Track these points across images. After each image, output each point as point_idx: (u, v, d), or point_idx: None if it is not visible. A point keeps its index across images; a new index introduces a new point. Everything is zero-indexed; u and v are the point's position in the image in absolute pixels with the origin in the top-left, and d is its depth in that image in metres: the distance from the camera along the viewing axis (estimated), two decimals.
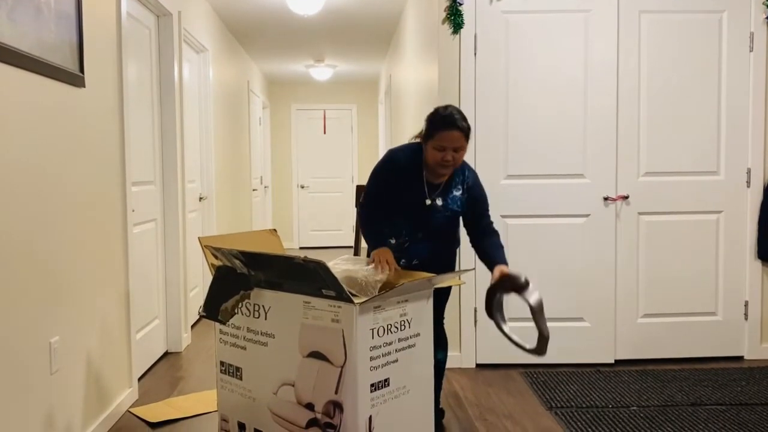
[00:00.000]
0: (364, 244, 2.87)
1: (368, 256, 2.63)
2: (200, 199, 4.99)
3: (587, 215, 3.75)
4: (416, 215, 2.61)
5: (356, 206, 3.29)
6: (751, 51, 3.74)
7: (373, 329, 2.13)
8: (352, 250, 6.56)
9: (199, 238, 2.54)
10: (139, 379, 3.62)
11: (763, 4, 3.71)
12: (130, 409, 3.17)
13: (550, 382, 3.49)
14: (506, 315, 3.79)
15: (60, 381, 2.46)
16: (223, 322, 2.40)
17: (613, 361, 3.80)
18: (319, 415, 2.16)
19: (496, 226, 2.74)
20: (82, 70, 2.65)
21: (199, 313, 2.49)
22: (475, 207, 2.66)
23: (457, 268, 3.38)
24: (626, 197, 3.75)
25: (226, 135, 5.95)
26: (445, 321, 2.83)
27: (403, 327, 2.25)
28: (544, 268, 3.76)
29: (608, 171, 3.74)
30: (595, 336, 3.79)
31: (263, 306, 2.32)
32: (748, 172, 3.79)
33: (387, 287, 2.31)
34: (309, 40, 6.83)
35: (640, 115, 3.74)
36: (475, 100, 3.70)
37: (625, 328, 3.81)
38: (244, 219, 7.07)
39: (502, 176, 3.73)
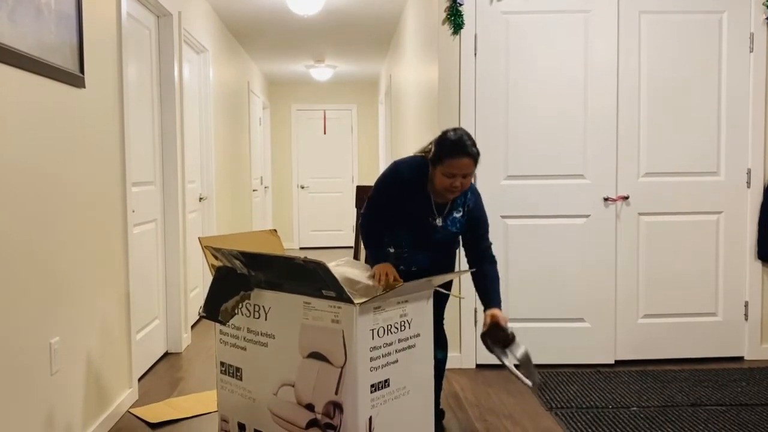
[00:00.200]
0: (363, 248, 2.87)
1: (366, 262, 2.63)
2: (200, 199, 4.98)
3: (587, 216, 3.75)
4: (417, 230, 2.60)
5: (356, 206, 3.29)
6: (751, 51, 3.75)
7: (373, 330, 2.13)
8: (352, 251, 6.55)
9: (199, 238, 2.54)
10: (139, 380, 3.62)
11: (763, 4, 3.71)
12: (130, 410, 3.17)
13: (550, 382, 3.49)
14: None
15: (60, 381, 2.46)
16: (223, 323, 2.40)
17: (613, 362, 3.80)
18: (319, 416, 2.16)
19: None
20: (82, 70, 2.65)
21: (199, 313, 2.49)
22: (474, 229, 2.64)
23: (457, 268, 3.38)
24: (626, 198, 3.75)
25: (226, 135, 5.95)
26: (445, 321, 2.83)
27: (403, 327, 2.26)
28: (544, 268, 3.76)
29: (608, 171, 3.74)
30: (596, 336, 3.79)
31: (263, 306, 2.32)
32: (749, 172, 3.79)
33: (386, 289, 2.31)
34: (309, 40, 6.83)
35: (640, 115, 3.74)
36: (475, 100, 3.70)
37: (626, 328, 3.81)
38: (245, 219, 7.07)
39: (502, 177, 3.73)
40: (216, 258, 2.41)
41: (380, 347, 2.16)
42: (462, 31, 3.67)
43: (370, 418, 2.14)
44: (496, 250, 3.68)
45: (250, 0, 5.33)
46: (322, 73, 8.34)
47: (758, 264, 3.81)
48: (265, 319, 2.31)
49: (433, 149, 2.50)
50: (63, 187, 2.49)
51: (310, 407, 2.19)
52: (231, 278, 2.36)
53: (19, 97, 2.16)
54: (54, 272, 2.41)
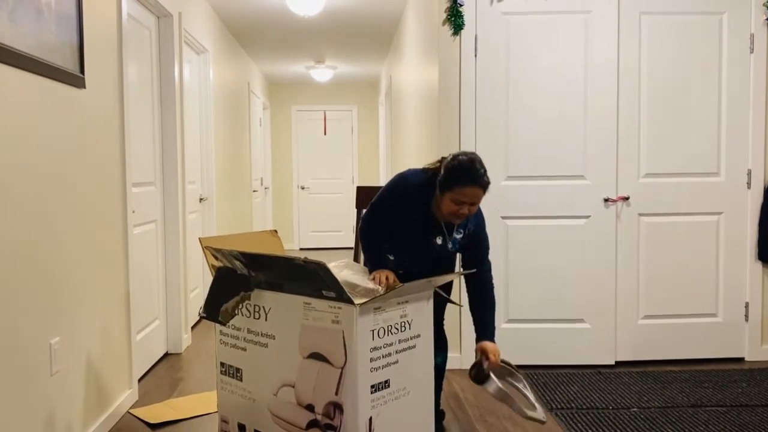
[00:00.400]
0: (362, 252, 2.85)
1: (365, 266, 2.62)
2: (200, 200, 4.98)
3: (588, 216, 3.75)
4: (415, 245, 2.57)
5: (356, 207, 3.29)
6: (751, 52, 3.75)
7: (373, 330, 2.13)
8: (352, 252, 6.55)
9: (199, 238, 2.54)
10: (140, 380, 3.62)
11: (764, 5, 3.71)
12: (130, 410, 3.16)
13: (551, 383, 3.49)
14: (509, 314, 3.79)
15: (60, 382, 2.46)
16: (223, 323, 2.40)
17: (613, 363, 3.80)
18: (319, 417, 2.16)
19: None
20: (82, 71, 2.65)
21: (199, 314, 2.49)
22: (473, 250, 2.61)
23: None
24: (627, 198, 3.75)
25: (226, 136, 5.95)
26: (445, 322, 2.83)
27: (403, 328, 2.25)
28: (545, 269, 3.76)
29: (609, 172, 3.74)
30: (596, 337, 3.79)
31: (263, 307, 2.32)
32: (749, 173, 3.79)
33: (387, 290, 2.31)
34: (309, 41, 6.83)
35: (641, 116, 3.74)
36: (475, 101, 3.70)
37: (626, 329, 3.80)
38: (245, 220, 7.07)
39: (503, 177, 3.73)
40: (216, 258, 2.41)
41: (380, 348, 2.16)
42: (462, 31, 3.67)
43: (371, 419, 2.13)
44: (497, 250, 3.69)
45: (250, 1, 5.33)
46: (322, 73, 8.34)
47: (758, 265, 3.81)
48: (266, 320, 2.31)
49: (442, 173, 2.42)
50: (63, 188, 2.49)
51: (310, 408, 2.18)
52: (231, 279, 2.36)
53: (19, 97, 2.16)
54: (54, 273, 2.41)
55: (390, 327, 2.20)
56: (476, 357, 2.56)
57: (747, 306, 3.83)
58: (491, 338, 2.58)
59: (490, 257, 2.68)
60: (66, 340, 2.50)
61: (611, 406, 3.13)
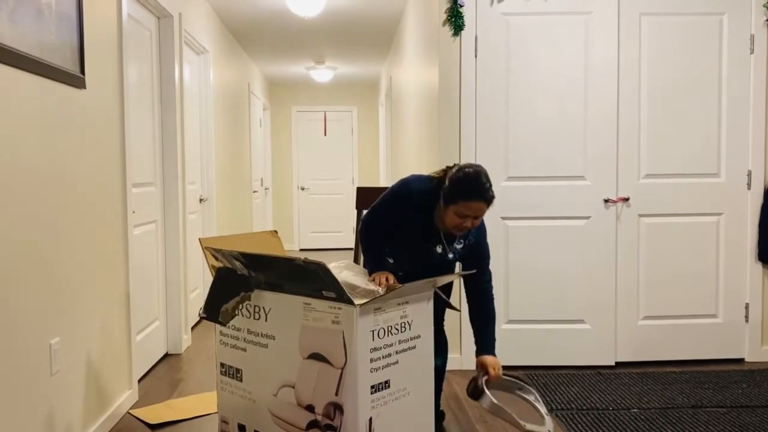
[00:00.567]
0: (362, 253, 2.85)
1: (365, 266, 2.61)
2: (200, 200, 4.98)
3: (588, 217, 3.75)
4: (415, 252, 2.56)
5: (356, 208, 3.28)
6: (751, 53, 3.75)
7: (373, 331, 2.13)
8: (353, 253, 6.55)
9: (199, 239, 2.54)
10: (139, 381, 3.62)
11: (764, 6, 3.71)
12: (130, 411, 3.16)
13: (551, 384, 3.49)
14: (508, 315, 3.79)
15: (60, 382, 2.46)
16: (223, 324, 2.40)
17: (613, 363, 3.80)
18: (319, 417, 2.16)
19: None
20: (82, 71, 2.65)
21: (199, 314, 2.49)
22: (473, 262, 2.60)
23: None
24: (627, 199, 3.75)
25: (226, 136, 5.95)
26: (445, 323, 2.82)
27: (403, 329, 2.25)
28: (545, 270, 3.76)
29: (609, 173, 3.74)
30: (596, 338, 3.79)
31: (263, 307, 2.32)
32: (749, 174, 3.79)
33: (387, 291, 2.30)
34: (309, 41, 6.84)
35: (641, 117, 3.74)
36: (475, 102, 3.70)
37: (626, 330, 3.80)
38: (245, 221, 7.07)
39: (503, 178, 3.73)
40: (216, 259, 2.41)
41: (380, 348, 2.16)
42: (462, 32, 3.67)
43: (371, 419, 2.13)
44: (497, 251, 3.69)
45: (250, 1, 5.33)
46: (322, 74, 8.34)
47: (759, 266, 3.81)
48: (266, 320, 2.31)
49: (447, 184, 2.38)
50: (63, 188, 2.49)
51: (310, 408, 2.18)
52: (231, 279, 2.36)
53: (19, 97, 2.16)
54: (54, 273, 2.41)
55: (390, 327, 2.20)
56: (476, 371, 2.56)
57: (747, 307, 3.83)
58: (492, 351, 2.56)
59: (492, 262, 2.67)
60: (66, 340, 2.50)
61: (611, 407, 3.13)
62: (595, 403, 3.18)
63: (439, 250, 2.55)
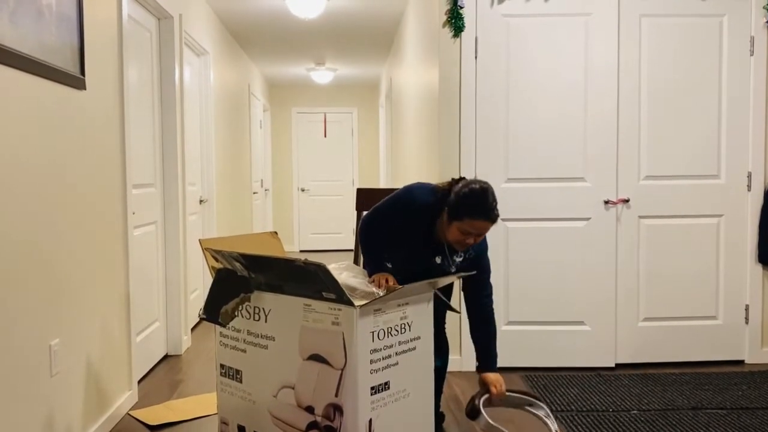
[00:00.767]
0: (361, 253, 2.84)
1: (364, 267, 2.61)
2: (201, 201, 4.99)
3: (588, 219, 3.75)
4: (415, 260, 2.54)
5: (356, 209, 3.28)
6: (751, 55, 3.75)
7: (373, 332, 2.13)
8: (352, 254, 6.55)
9: (199, 240, 2.54)
10: (139, 382, 3.62)
11: (764, 8, 3.72)
12: (130, 412, 3.16)
13: (551, 385, 3.49)
14: (509, 317, 3.78)
15: (60, 383, 2.46)
16: (223, 325, 2.40)
17: (613, 365, 3.80)
18: (319, 418, 2.16)
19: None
20: (83, 72, 2.65)
21: (199, 315, 2.49)
22: (473, 275, 2.57)
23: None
24: (627, 200, 3.75)
25: (226, 138, 5.95)
26: (446, 325, 2.82)
27: (403, 330, 2.25)
28: (545, 271, 3.76)
29: (609, 174, 3.74)
30: (596, 339, 3.78)
31: (263, 309, 2.32)
32: (749, 175, 3.79)
33: (387, 292, 2.30)
34: (310, 43, 6.84)
35: (641, 118, 3.74)
36: (475, 103, 3.71)
37: (626, 331, 3.80)
38: (245, 222, 7.07)
39: (503, 180, 3.73)
40: (216, 260, 2.41)
41: (380, 349, 2.16)
42: (462, 33, 3.67)
43: (370, 421, 2.13)
44: (497, 252, 3.69)
45: (250, 3, 5.33)
46: (322, 76, 8.34)
47: (759, 267, 3.81)
48: (265, 321, 2.31)
49: (452, 198, 2.36)
50: (63, 189, 2.49)
51: (310, 409, 2.18)
52: (231, 280, 2.36)
53: (19, 98, 2.16)
54: (54, 274, 2.41)
55: (390, 329, 2.19)
56: (478, 388, 2.55)
57: (747, 308, 3.83)
58: (494, 368, 2.55)
59: (492, 263, 2.66)
60: (66, 341, 2.50)
61: (611, 409, 3.13)
62: (595, 405, 3.18)
63: (438, 260, 2.54)
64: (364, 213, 2.77)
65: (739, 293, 3.83)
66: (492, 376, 2.52)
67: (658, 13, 3.71)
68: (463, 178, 2.46)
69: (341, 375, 2.10)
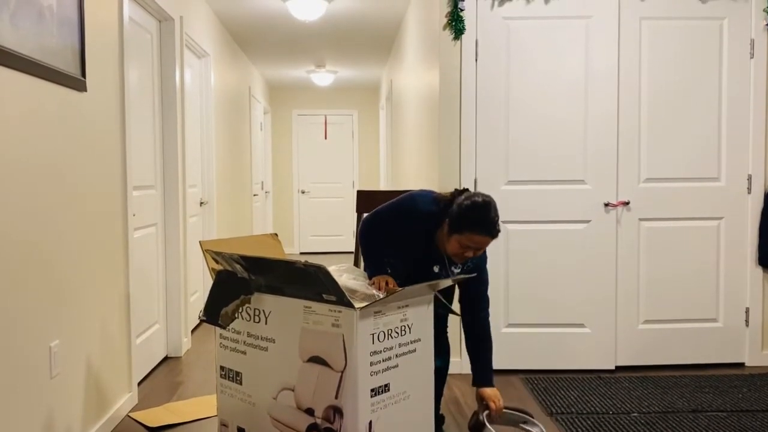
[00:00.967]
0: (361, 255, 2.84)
1: (365, 270, 2.61)
2: (201, 203, 4.99)
3: (588, 221, 3.75)
4: (414, 268, 2.55)
5: (357, 211, 3.28)
6: (751, 58, 3.75)
7: (373, 334, 2.13)
8: (353, 256, 6.55)
9: (200, 242, 2.54)
10: (139, 384, 3.62)
11: (764, 11, 3.72)
12: (130, 414, 3.16)
13: (551, 388, 3.49)
14: (508, 318, 3.79)
15: (60, 385, 2.46)
16: (223, 327, 2.40)
17: (613, 368, 3.80)
18: (319, 420, 2.16)
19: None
20: (83, 74, 2.66)
21: (199, 317, 2.49)
22: (470, 287, 2.57)
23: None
24: (627, 203, 3.75)
25: (227, 140, 5.95)
26: (447, 328, 2.82)
27: (403, 332, 2.25)
28: (545, 273, 3.76)
29: (609, 177, 3.74)
30: (596, 342, 3.78)
31: (263, 311, 2.32)
32: (749, 178, 3.79)
33: (387, 294, 2.30)
34: (310, 45, 6.85)
35: (641, 121, 3.74)
36: (476, 105, 3.71)
37: (626, 334, 3.80)
38: (245, 224, 7.07)
39: (503, 182, 3.73)
40: (216, 262, 2.41)
41: (380, 351, 2.16)
42: (463, 36, 3.68)
43: (370, 423, 2.13)
44: (497, 255, 3.70)
45: (251, 5, 5.34)
46: (323, 78, 8.35)
47: (759, 270, 3.81)
48: (266, 323, 2.31)
49: (454, 210, 2.34)
50: (64, 191, 2.49)
51: (310, 412, 2.18)
52: (231, 282, 2.36)
53: (20, 100, 2.16)
54: (54, 275, 2.41)
55: (390, 331, 2.19)
56: (477, 404, 2.55)
57: (747, 311, 3.83)
58: (490, 383, 2.55)
59: (492, 265, 2.67)
60: (66, 343, 2.50)
61: (611, 411, 3.13)
62: (595, 408, 3.18)
63: (436, 269, 2.54)
64: (365, 215, 2.77)
65: (740, 296, 3.83)
66: (490, 391, 2.52)
67: (659, 16, 3.72)
68: (467, 189, 2.46)
69: (341, 377, 2.10)
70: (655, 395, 3.35)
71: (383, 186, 8.59)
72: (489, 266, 2.67)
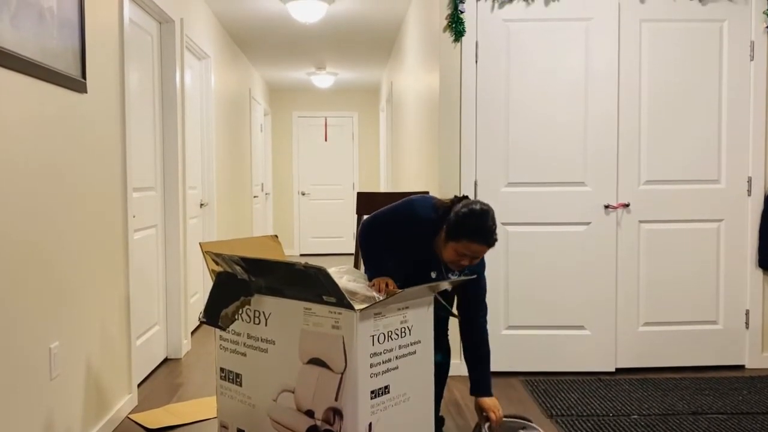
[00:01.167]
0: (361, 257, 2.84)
1: (365, 272, 2.61)
2: (201, 205, 4.99)
3: (588, 223, 3.75)
4: (412, 272, 2.55)
5: (357, 213, 3.29)
6: (751, 60, 3.75)
7: (373, 336, 2.13)
8: (353, 258, 6.56)
9: (200, 243, 2.54)
10: (139, 385, 3.61)
11: (764, 13, 3.72)
12: (130, 415, 3.16)
13: (551, 390, 3.48)
14: (510, 318, 3.79)
15: (59, 386, 2.46)
16: (223, 329, 2.40)
17: (613, 370, 3.79)
18: (319, 422, 2.15)
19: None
20: (84, 75, 2.66)
21: (199, 319, 2.49)
22: (468, 293, 2.56)
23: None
24: (627, 205, 3.75)
25: (227, 141, 5.96)
26: (448, 330, 2.82)
27: (403, 334, 2.25)
28: (545, 275, 3.76)
29: (609, 179, 3.74)
30: (596, 344, 3.78)
31: (263, 312, 2.31)
32: (749, 180, 3.79)
33: (387, 296, 2.30)
34: (310, 47, 6.85)
35: (641, 123, 3.74)
36: (476, 107, 3.71)
37: (626, 336, 3.80)
38: (245, 225, 7.07)
39: (503, 184, 3.73)
40: (216, 263, 2.41)
41: (380, 353, 2.16)
42: (463, 38, 3.68)
43: (370, 425, 2.13)
44: (497, 257, 3.69)
45: (252, 7, 5.35)
46: (323, 80, 8.36)
47: (759, 272, 3.81)
48: (266, 325, 2.31)
49: (452, 218, 2.34)
50: (64, 192, 2.49)
51: (309, 413, 2.18)
52: (231, 284, 2.36)
53: (21, 101, 2.16)
54: (54, 277, 2.41)
55: (390, 333, 2.19)
56: (477, 415, 2.55)
57: (747, 313, 3.83)
58: (488, 392, 2.55)
59: (492, 267, 2.67)
60: (65, 344, 2.50)
61: (611, 413, 3.12)
62: (595, 410, 3.18)
63: (433, 275, 2.53)
64: (365, 217, 2.77)
65: (740, 298, 3.83)
66: (489, 402, 2.52)
67: (659, 18, 3.72)
68: (466, 196, 2.45)
69: (341, 379, 2.10)
70: (656, 397, 3.35)
71: (383, 188, 8.59)
72: (489, 268, 2.67)
